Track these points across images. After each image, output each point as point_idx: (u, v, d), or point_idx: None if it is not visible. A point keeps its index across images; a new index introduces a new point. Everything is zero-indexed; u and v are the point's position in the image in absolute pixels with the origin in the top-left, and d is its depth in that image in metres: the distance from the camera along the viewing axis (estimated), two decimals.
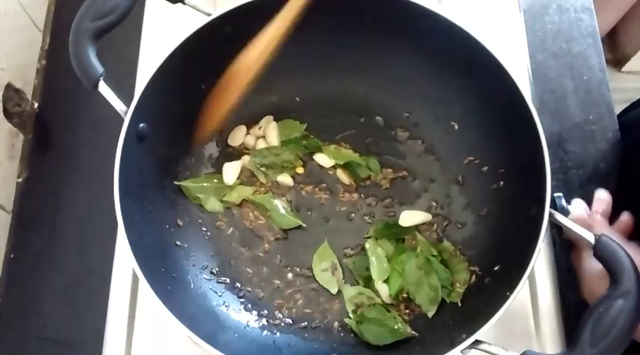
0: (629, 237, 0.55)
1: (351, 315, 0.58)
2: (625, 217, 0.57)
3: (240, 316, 0.58)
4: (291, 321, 0.59)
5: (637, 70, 1.55)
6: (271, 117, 0.66)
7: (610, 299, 0.42)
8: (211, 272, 0.60)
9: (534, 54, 0.74)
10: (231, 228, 0.62)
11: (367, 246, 0.60)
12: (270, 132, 0.65)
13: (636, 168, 0.68)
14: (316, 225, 0.62)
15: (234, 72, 0.56)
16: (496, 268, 0.54)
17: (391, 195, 0.63)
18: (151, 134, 0.55)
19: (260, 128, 0.65)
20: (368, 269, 0.59)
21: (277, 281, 0.60)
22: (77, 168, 0.69)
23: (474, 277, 0.57)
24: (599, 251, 0.45)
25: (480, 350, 0.46)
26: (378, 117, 0.66)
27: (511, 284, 0.47)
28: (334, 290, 0.59)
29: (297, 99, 0.66)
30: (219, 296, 0.59)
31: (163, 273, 0.54)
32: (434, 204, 0.63)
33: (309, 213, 0.63)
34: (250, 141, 0.65)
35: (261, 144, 0.65)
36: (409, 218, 0.61)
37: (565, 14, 0.77)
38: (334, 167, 0.64)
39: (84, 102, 0.72)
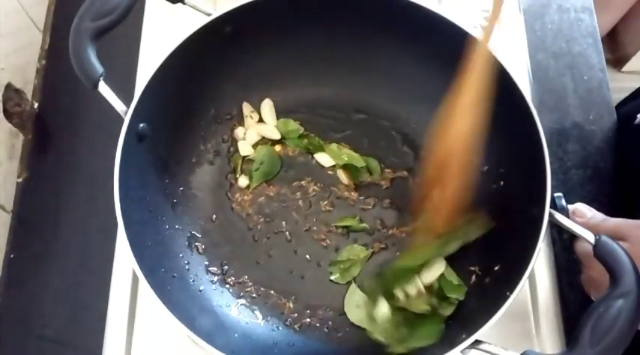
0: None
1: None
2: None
3: (241, 316, 0.58)
4: (292, 321, 0.59)
5: (637, 69, 1.55)
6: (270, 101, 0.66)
7: (610, 299, 0.42)
8: (211, 272, 0.60)
9: (534, 54, 0.74)
10: (232, 228, 0.62)
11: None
12: (266, 114, 0.65)
13: (632, 160, 0.68)
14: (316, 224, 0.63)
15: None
16: (496, 268, 0.54)
17: (391, 195, 0.64)
18: (151, 134, 0.55)
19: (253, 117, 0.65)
20: None
21: (278, 282, 0.60)
22: (77, 168, 0.69)
23: (474, 277, 0.57)
24: (599, 251, 0.44)
25: (480, 350, 0.46)
26: (378, 117, 0.66)
27: (511, 284, 0.47)
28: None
29: (297, 99, 0.66)
30: (220, 295, 0.59)
31: (163, 273, 0.54)
32: None
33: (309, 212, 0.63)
34: (240, 133, 0.65)
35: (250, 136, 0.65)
36: (430, 275, 0.58)
37: (565, 14, 0.77)
38: (334, 167, 0.64)
39: (84, 102, 0.72)
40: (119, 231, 0.49)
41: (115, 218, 0.48)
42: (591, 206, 0.57)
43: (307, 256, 0.61)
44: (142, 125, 0.53)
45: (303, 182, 0.64)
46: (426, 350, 0.53)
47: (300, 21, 0.59)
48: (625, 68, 1.55)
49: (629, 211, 0.58)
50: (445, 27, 0.55)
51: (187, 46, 0.54)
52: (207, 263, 0.60)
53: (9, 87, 0.69)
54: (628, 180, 0.67)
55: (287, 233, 0.62)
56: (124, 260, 0.61)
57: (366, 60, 0.63)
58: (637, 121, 0.69)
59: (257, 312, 0.59)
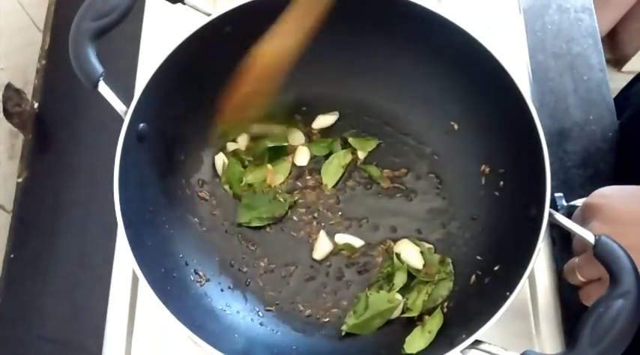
0: None
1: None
2: None
3: (241, 316, 0.58)
4: (293, 322, 0.59)
5: (637, 69, 1.54)
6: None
7: (610, 299, 0.42)
8: (212, 272, 0.60)
9: (534, 54, 0.74)
10: (232, 228, 0.62)
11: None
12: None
13: (629, 146, 0.68)
14: (316, 223, 0.63)
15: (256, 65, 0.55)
16: (496, 268, 0.54)
17: (390, 195, 0.63)
18: (151, 134, 0.55)
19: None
20: None
21: (279, 281, 0.60)
22: (77, 168, 0.69)
23: (473, 277, 0.57)
24: (599, 251, 0.44)
25: (480, 350, 0.46)
26: (377, 118, 0.66)
27: (511, 284, 0.47)
28: None
29: (297, 99, 0.66)
30: (220, 295, 0.59)
31: (163, 273, 0.54)
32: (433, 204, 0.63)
33: (308, 211, 0.63)
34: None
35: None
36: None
37: (565, 14, 0.77)
38: None
39: (84, 102, 0.72)
40: (119, 231, 0.49)
41: (115, 218, 0.48)
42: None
43: (307, 256, 0.61)
44: (141, 125, 0.53)
45: (300, 182, 0.64)
46: (426, 351, 0.53)
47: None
48: (625, 68, 1.55)
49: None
50: (445, 27, 0.55)
51: (187, 46, 0.54)
52: (207, 263, 0.60)
53: (9, 87, 0.69)
54: (628, 171, 0.67)
55: (289, 233, 0.62)
56: (124, 260, 0.61)
57: (366, 60, 0.63)
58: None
59: (257, 312, 0.59)
